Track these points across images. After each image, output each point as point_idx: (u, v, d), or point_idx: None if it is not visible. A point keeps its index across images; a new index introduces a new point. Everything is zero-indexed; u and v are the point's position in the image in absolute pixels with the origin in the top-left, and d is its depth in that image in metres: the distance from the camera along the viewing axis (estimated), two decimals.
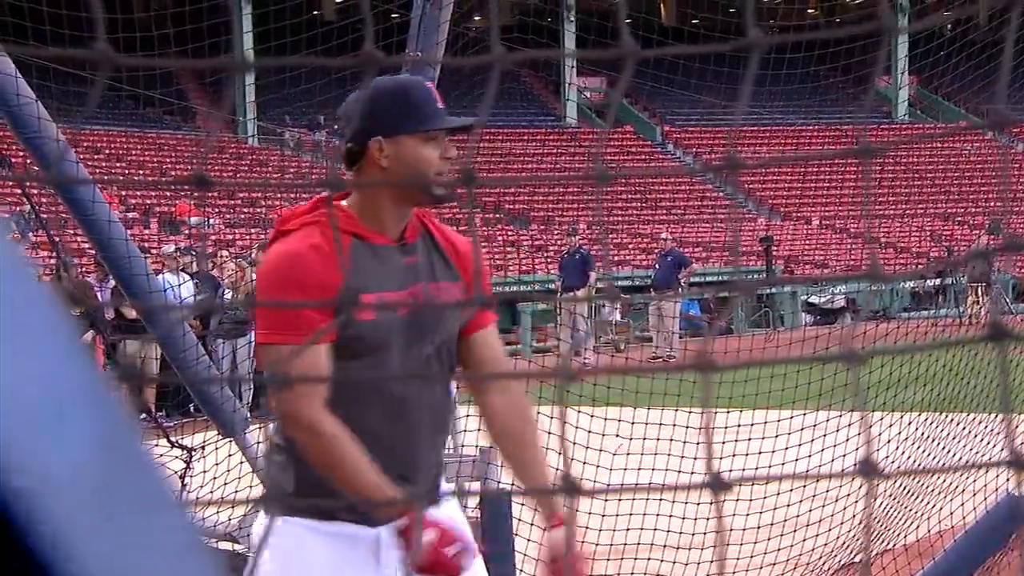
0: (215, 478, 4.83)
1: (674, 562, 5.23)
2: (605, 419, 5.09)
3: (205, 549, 0.55)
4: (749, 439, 5.48)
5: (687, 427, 5.49)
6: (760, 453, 5.50)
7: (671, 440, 5.39)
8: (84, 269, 12.54)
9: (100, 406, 0.50)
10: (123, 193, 23.35)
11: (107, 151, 25.65)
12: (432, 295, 2.54)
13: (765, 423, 5.58)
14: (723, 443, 5.44)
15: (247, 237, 21.83)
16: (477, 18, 32.21)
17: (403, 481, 2.43)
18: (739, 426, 5.52)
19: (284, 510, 2.49)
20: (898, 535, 5.15)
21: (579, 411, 5.41)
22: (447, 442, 2.59)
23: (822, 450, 5.50)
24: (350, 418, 2.38)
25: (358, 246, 2.48)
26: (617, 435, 5.09)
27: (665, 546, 5.24)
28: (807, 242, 29.52)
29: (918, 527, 5.07)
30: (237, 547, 4.78)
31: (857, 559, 5.29)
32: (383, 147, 2.47)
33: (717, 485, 0.62)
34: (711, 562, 5.24)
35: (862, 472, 0.63)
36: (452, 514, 2.61)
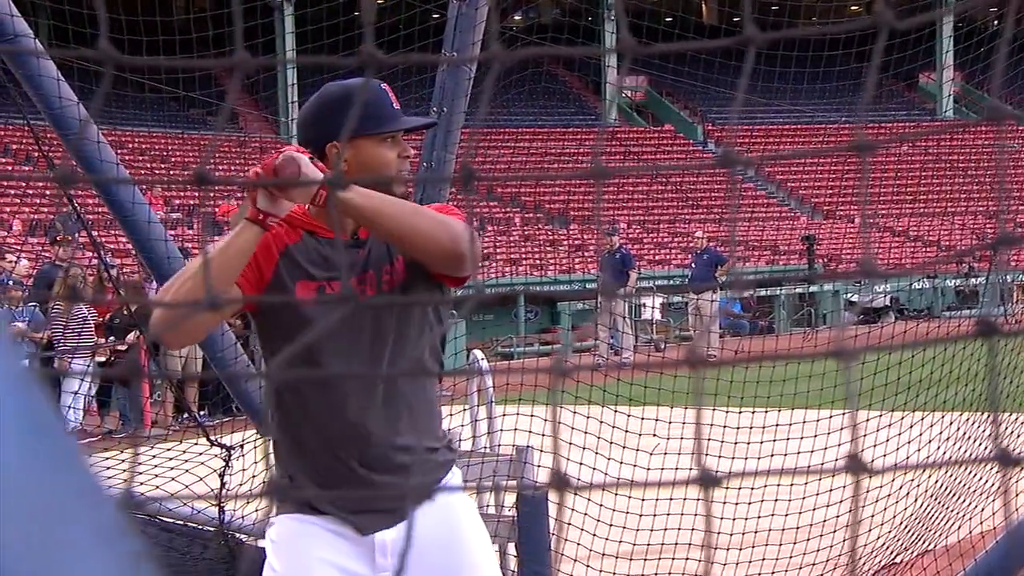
0: (254, 476, 4.86)
1: (712, 562, 5.21)
2: (642, 419, 5.09)
3: (124, 541, 0.55)
4: (788, 439, 5.45)
5: (724, 427, 5.46)
6: (799, 453, 5.47)
7: (708, 439, 5.37)
8: (129, 270, 12.68)
9: (23, 403, 0.50)
10: (167, 194, 23.57)
11: (151, 152, 25.89)
12: (382, 279, 2.55)
13: (804, 422, 5.55)
14: (761, 443, 5.42)
15: None
16: (517, 17, 32.16)
17: (342, 461, 2.50)
18: (777, 425, 5.49)
19: (286, 507, 2.56)
20: (939, 536, 5.10)
21: (616, 411, 5.41)
22: (416, 423, 2.57)
23: (862, 450, 5.45)
24: (293, 400, 2.51)
25: (309, 240, 2.57)
26: (655, 435, 5.08)
27: (704, 545, 5.22)
28: (849, 241, 29.28)
29: (959, 528, 5.01)
30: None
31: (898, 559, 5.25)
32: (340, 151, 2.52)
33: (707, 480, 0.62)
34: (750, 562, 5.22)
35: (850, 469, 0.63)
36: (465, 509, 2.64)
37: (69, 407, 11.20)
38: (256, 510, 4.84)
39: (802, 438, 5.41)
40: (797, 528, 5.15)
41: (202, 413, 11.16)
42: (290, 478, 2.58)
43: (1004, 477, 0.60)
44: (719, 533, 5.28)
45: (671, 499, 5.25)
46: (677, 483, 0.68)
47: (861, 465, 0.63)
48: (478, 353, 5.52)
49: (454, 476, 2.66)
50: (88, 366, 11.64)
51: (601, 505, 5.20)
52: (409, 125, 2.62)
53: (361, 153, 2.53)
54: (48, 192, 21.66)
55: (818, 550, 5.23)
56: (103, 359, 11.76)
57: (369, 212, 2.39)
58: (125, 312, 11.06)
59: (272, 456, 2.65)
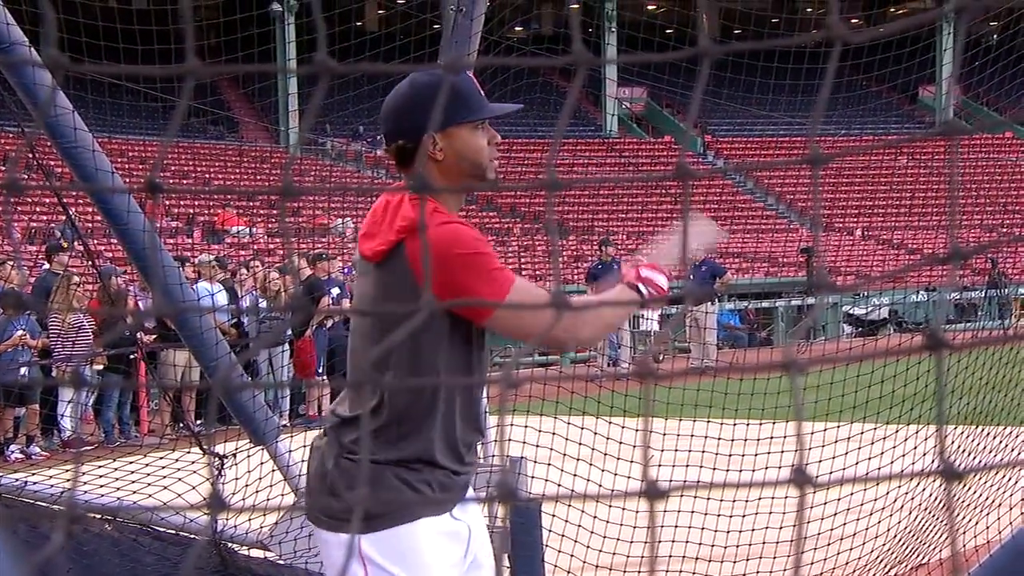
0: (247, 485, 4.85)
1: (707, 574, 5.20)
2: (635, 430, 5.08)
3: None
4: (783, 451, 5.45)
5: (719, 439, 5.46)
6: (793, 465, 5.45)
7: (703, 451, 5.37)
8: (129, 278, 12.67)
9: None
10: (167, 202, 23.58)
11: (152, 160, 25.92)
12: None
13: (797, 435, 5.53)
14: (756, 455, 5.41)
15: (288, 247, 21.93)
16: (519, 28, 32.20)
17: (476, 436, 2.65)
18: (772, 438, 5.48)
19: (401, 515, 2.50)
20: (933, 549, 5.09)
21: (610, 422, 5.40)
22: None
23: (856, 463, 5.45)
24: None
25: None
26: (647, 446, 5.06)
27: (697, 558, 5.22)
28: (849, 253, 29.29)
29: (953, 541, 5.00)
30: (268, 555, 4.80)
31: (892, 573, 5.24)
32: (436, 140, 2.56)
33: (653, 493, 0.61)
34: (744, 575, 5.21)
35: (795, 482, 0.63)
36: (476, 522, 2.66)
37: (65, 416, 11.19)
38: (248, 519, 4.83)
39: (797, 451, 5.40)
40: (791, 541, 5.13)
41: (198, 422, 11.15)
42: (413, 470, 2.55)
43: (947, 491, 0.60)
44: (713, 546, 5.27)
45: (665, 511, 5.24)
46: (617, 494, 0.68)
47: (806, 478, 0.62)
48: None
49: None
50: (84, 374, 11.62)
51: (595, 517, 5.19)
52: (502, 111, 2.67)
53: (456, 141, 2.58)
54: (47, 200, 21.66)
55: (812, 563, 5.22)
56: (100, 368, 11.74)
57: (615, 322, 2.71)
58: (122, 321, 11.04)
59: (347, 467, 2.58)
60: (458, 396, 2.57)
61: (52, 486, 4.90)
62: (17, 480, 4.93)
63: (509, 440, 5.10)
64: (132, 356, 11.11)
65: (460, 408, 2.57)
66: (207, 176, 25.91)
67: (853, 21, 37.18)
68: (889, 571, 5.21)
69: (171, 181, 24.35)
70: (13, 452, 10.97)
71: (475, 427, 2.63)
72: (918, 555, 5.10)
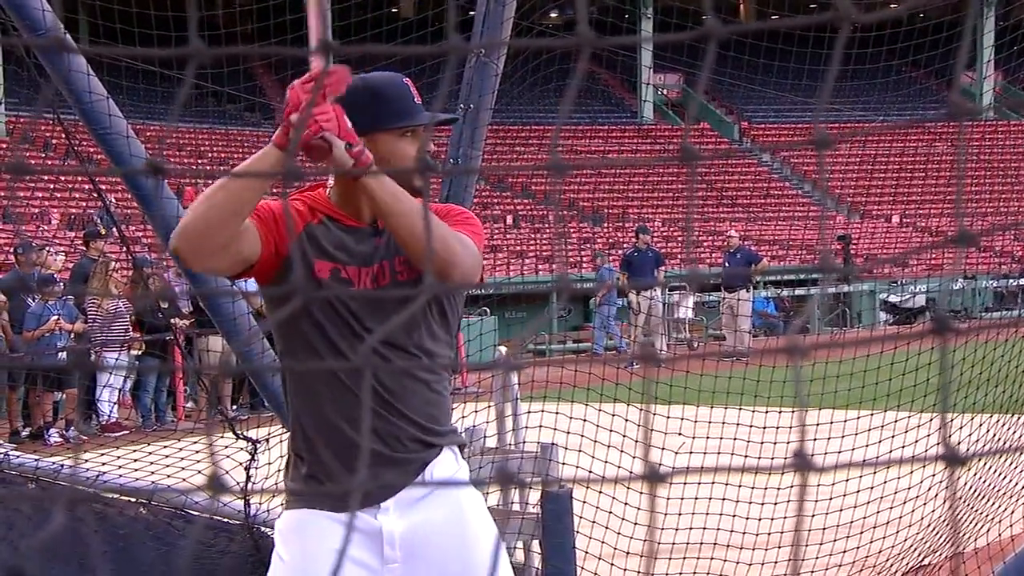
0: (279, 470, 4.88)
1: (738, 562, 5.19)
2: (667, 417, 5.07)
3: None
4: (815, 439, 5.42)
5: (751, 426, 5.44)
6: (826, 454, 5.43)
7: (734, 439, 5.35)
8: (165, 263, 12.75)
9: None
10: (205, 188, 23.74)
11: (189, 148, 26.06)
12: (396, 269, 2.57)
13: (831, 423, 5.51)
14: (788, 443, 5.38)
15: None
16: (553, 15, 32.15)
17: (340, 447, 2.51)
18: (803, 426, 5.45)
19: (295, 501, 2.60)
20: (968, 538, 5.05)
21: (642, 409, 5.39)
22: (409, 412, 2.57)
23: (890, 451, 5.42)
24: (301, 384, 2.56)
25: (329, 225, 2.59)
26: (680, 433, 5.06)
27: (728, 546, 5.20)
28: (887, 240, 29.07)
29: (988, 531, 4.97)
30: None
31: (926, 561, 5.21)
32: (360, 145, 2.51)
33: (654, 477, 0.61)
34: (775, 563, 5.19)
35: (796, 466, 0.63)
36: (472, 502, 2.63)
37: (101, 400, 11.31)
38: (281, 504, 4.87)
39: (828, 438, 5.38)
40: (823, 529, 5.11)
41: (233, 408, 11.24)
42: (300, 459, 2.58)
43: (951, 475, 0.59)
44: (744, 533, 5.26)
45: (696, 498, 5.23)
46: (611, 479, 0.68)
47: (807, 463, 0.62)
48: (503, 350, 5.52)
49: (460, 469, 2.64)
50: (117, 359, 11.73)
51: (626, 503, 5.19)
52: (426, 120, 2.58)
53: (381, 146, 2.52)
54: (85, 186, 21.84)
55: (844, 551, 5.20)
56: (137, 353, 11.84)
57: (380, 199, 2.42)
58: (156, 307, 11.13)
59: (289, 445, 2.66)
60: (300, 388, 2.57)
61: (88, 469, 4.95)
62: (55, 463, 4.99)
63: (540, 427, 5.11)
64: (168, 341, 11.20)
65: (307, 402, 2.55)
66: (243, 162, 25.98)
67: (892, 6, 36.82)
68: (923, 560, 5.18)
69: (208, 168, 24.51)
70: (52, 436, 11.10)
71: (331, 424, 2.51)
72: (953, 544, 5.06)
